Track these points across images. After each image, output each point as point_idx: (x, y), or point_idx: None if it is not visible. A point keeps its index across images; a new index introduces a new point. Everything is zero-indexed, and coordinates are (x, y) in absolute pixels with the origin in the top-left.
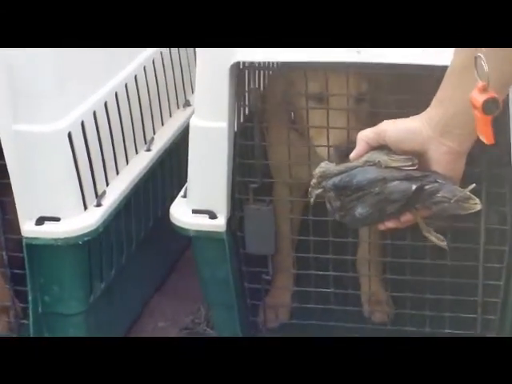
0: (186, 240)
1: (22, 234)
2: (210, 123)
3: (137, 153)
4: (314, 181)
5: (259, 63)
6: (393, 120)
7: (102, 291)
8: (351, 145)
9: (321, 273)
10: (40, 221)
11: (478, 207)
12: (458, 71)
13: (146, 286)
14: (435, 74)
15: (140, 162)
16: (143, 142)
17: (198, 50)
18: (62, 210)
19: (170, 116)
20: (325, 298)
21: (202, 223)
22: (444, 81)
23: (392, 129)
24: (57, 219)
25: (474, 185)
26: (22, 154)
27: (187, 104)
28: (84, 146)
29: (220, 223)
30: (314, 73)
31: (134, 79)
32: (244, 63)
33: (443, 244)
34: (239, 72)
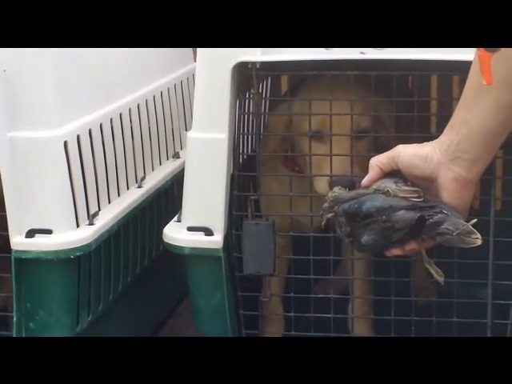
0: (185, 285)
1: (12, 247)
2: (207, 134)
3: (128, 189)
4: (325, 204)
5: (263, 64)
6: (405, 145)
7: (88, 324)
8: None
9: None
10: (31, 233)
11: (479, 242)
12: (471, 94)
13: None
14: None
15: (131, 196)
16: (134, 179)
17: (198, 51)
18: (54, 223)
19: (160, 164)
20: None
21: (197, 240)
22: (457, 106)
23: (404, 154)
24: (48, 232)
25: (475, 219)
26: (16, 161)
27: (176, 156)
28: (79, 159)
29: (217, 239)
30: (315, 108)
31: (128, 112)
32: (248, 64)
33: (441, 279)
34: (241, 75)
